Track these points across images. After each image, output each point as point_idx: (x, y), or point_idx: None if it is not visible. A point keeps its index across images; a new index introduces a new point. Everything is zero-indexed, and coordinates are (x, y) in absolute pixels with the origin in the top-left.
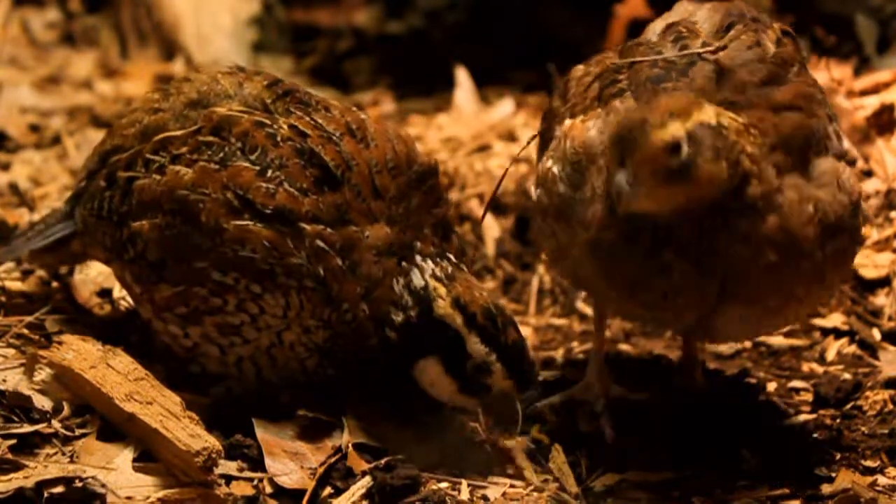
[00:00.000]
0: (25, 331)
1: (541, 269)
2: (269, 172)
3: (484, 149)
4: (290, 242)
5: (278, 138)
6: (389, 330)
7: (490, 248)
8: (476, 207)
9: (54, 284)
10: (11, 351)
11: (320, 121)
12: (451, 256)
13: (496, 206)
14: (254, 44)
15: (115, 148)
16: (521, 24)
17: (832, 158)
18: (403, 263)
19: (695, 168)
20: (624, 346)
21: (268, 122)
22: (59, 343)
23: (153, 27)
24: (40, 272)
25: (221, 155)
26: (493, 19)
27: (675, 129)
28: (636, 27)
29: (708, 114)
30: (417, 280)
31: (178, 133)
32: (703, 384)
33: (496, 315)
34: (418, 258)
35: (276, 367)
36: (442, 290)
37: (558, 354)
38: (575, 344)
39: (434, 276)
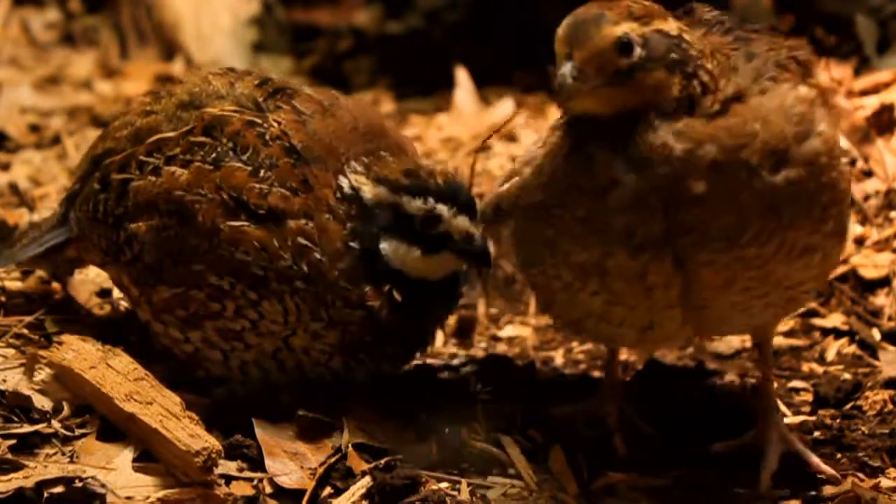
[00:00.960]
0: (25, 331)
1: None
2: (262, 172)
3: (484, 149)
4: (275, 242)
5: (267, 137)
6: (350, 243)
7: (490, 248)
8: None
9: (54, 284)
10: (11, 351)
11: (297, 104)
12: (375, 154)
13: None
14: (254, 44)
15: (108, 150)
16: (521, 24)
17: (787, 87)
18: (343, 166)
19: (643, 73)
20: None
21: (259, 120)
22: (59, 343)
23: (153, 27)
24: (40, 272)
25: (214, 155)
26: (493, 19)
27: (631, 29)
28: None
29: (671, 25)
30: (346, 186)
31: (172, 134)
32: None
33: (416, 169)
34: (344, 171)
35: (287, 371)
36: (362, 179)
37: (558, 354)
38: (575, 344)
39: (355, 172)
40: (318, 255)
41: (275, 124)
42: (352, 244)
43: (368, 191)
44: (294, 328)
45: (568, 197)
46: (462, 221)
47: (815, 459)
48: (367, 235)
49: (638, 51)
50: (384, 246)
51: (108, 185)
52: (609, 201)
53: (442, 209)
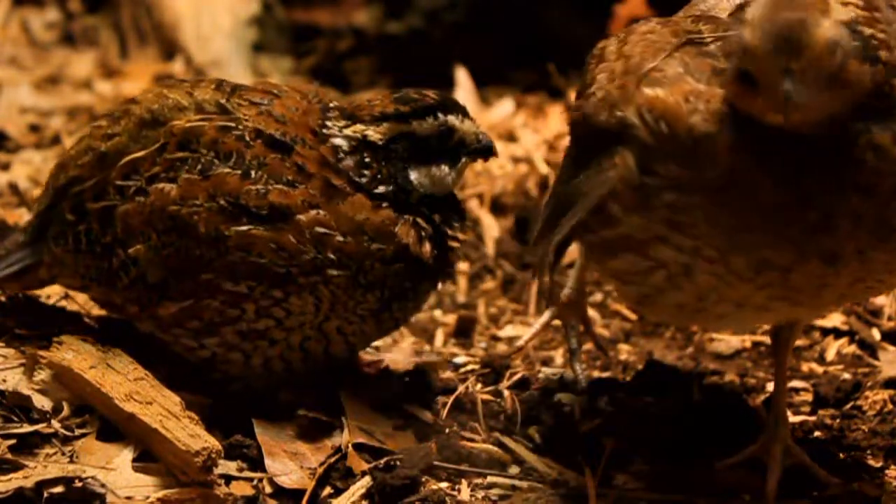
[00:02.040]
0: (25, 331)
1: None
2: (253, 174)
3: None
4: (292, 239)
5: (247, 137)
6: (379, 194)
7: (490, 248)
8: (476, 207)
9: (55, 284)
10: (11, 351)
11: (251, 98)
12: (341, 109)
13: (496, 206)
14: (254, 44)
15: (73, 179)
16: (521, 24)
17: None
18: (324, 131)
19: (846, 69)
20: (624, 346)
21: (231, 123)
22: (59, 343)
23: (153, 27)
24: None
25: (199, 167)
26: (493, 19)
27: (832, 28)
28: None
29: (839, 11)
30: (343, 143)
31: (142, 153)
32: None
33: (404, 96)
34: (325, 131)
35: (313, 358)
36: (359, 126)
37: (558, 354)
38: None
39: (346, 126)
40: (340, 238)
41: (246, 122)
42: (379, 190)
43: (374, 132)
44: (328, 314)
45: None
46: (468, 124)
47: (823, 473)
48: (393, 175)
49: (843, 46)
50: (414, 177)
51: (84, 215)
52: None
53: (452, 119)
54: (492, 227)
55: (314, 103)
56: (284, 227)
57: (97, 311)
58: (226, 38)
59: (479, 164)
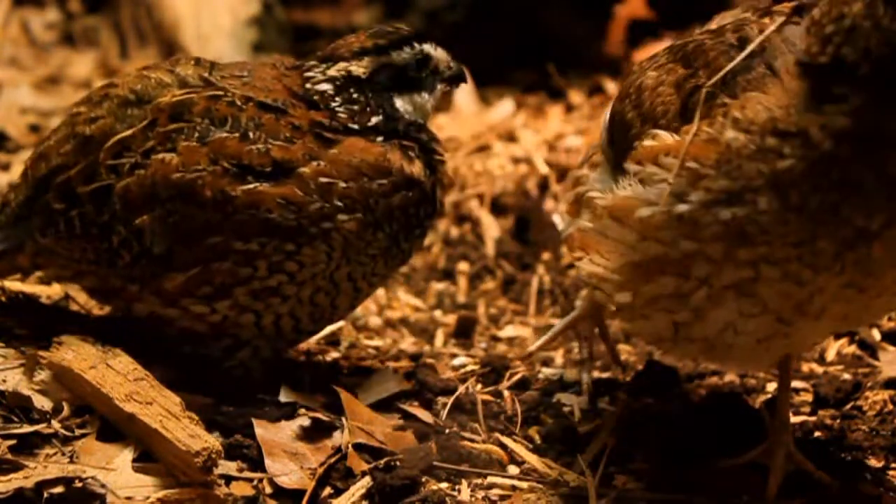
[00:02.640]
0: (25, 331)
1: (540, 269)
2: (251, 134)
3: (484, 149)
4: (298, 191)
5: (238, 102)
6: (375, 128)
7: (490, 248)
8: (476, 207)
9: (54, 284)
10: (11, 351)
11: (231, 72)
12: (317, 57)
13: (496, 206)
14: (254, 44)
15: (56, 168)
16: (521, 24)
17: None
18: (307, 86)
19: None
20: (624, 346)
21: (219, 93)
22: (59, 343)
23: (153, 27)
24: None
25: (197, 134)
26: (493, 19)
27: None
28: (636, 27)
29: None
30: (327, 87)
31: (131, 132)
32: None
33: (379, 30)
34: (307, 75)
35: (321, 314)
36: (342, 64)
37: (558, 355)
38: (574, 344)
39: (324, 68)
40: (343, 184)
41: (234, 91)
42: (371, 123)
43: (356, 67)
44: (339, 262)
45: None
46: (440, 52)
47: (826, 477)
48: (381, 105)
49: None
50: (399, 104)
51: (75, 200)
52: None
53: (427, 48)
54: (492, 227)
55: (282, 69)
56: (289, 181)
57: (97, 311)
58: (226, 38)
59: (479, 164)
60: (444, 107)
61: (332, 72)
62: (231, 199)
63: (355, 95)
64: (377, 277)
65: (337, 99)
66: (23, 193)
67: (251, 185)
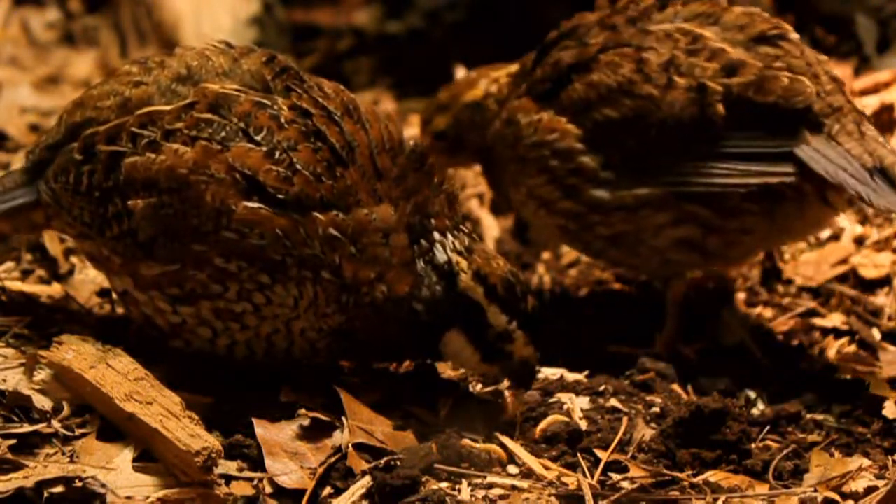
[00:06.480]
0: (25, 331)
1: (541, 269)
2: (277, 155)
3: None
4: (303, 231)
5: (282, 120)
6: (416, 303)
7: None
8: (476, 207)
9: (54, 284)
10: (11, 351)
11: (320, 100)
12: (465, 229)
13: (496, 206)
14: (254, 44)
15: (89, 120)
16: (520, 24)
17: None
18: (422, 242)
19: None
20: (624, 346)
21: (267, 102)
22: (59, 343)
23: (153, 27)
24: (40, 271)
25: (223, 134)
26: (492, 19)
27: None
28: None
29: None
30: (440, 256)
31: (168, 108)
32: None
33: (514, 284)
34: (436, 235)
35: (274, 353)
36: (464, 264)
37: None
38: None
39: (455, 250)
40: (353, 250)
41: (285, 108)
42: (416, 306)
43: (465, 281)
44: (300, 313)
45: None
46: (528, 350)
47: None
48: (439, 314)
49: None
50: (448, 336)
51: (93, 156)
52: None
53: (518, 335)
54: (492, 227)
55: (403, 169)
56: (297, 217)
57: (97, 310)
58: (226, 38)
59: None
60: None
61: (451, 255)
62: (229, 212)
63: (433, 281)
64: (316, 353)
65: (426, 268)
66: (53, 137)
67: (255, 205)
